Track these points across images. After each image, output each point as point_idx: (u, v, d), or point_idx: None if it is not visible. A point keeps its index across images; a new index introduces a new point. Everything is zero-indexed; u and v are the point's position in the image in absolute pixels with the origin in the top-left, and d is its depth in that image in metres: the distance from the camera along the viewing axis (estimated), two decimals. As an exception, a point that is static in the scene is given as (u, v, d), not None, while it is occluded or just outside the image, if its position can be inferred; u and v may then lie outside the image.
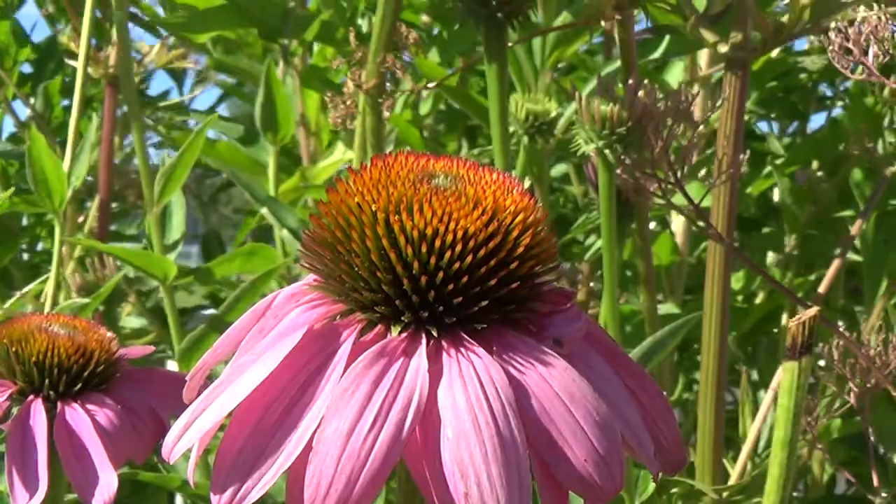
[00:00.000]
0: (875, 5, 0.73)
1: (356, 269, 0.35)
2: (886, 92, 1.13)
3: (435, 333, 0.34)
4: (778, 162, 1.19)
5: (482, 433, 0.32)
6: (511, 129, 0.85)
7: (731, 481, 0.85)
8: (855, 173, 1.15)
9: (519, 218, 0.35)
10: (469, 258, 0.34)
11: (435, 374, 0.34)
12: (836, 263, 0.89)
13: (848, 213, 1.18)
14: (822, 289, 0.87)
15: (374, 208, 0.35)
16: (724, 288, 0.81)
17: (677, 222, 1.19)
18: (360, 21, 0.95)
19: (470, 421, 0.33)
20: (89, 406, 0.48)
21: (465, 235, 0.34)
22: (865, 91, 1.20)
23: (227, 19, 0.93)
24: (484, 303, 0.34)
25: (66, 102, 1.32)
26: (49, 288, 0.89)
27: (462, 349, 0.34)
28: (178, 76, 1.60)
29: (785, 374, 0.49)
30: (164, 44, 1.23)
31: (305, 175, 1.02)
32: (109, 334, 0.51)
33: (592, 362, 0.36)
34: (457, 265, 0.34)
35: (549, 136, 0.80)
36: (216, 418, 0.33)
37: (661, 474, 0.38)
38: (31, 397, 0.49)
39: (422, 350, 0.34)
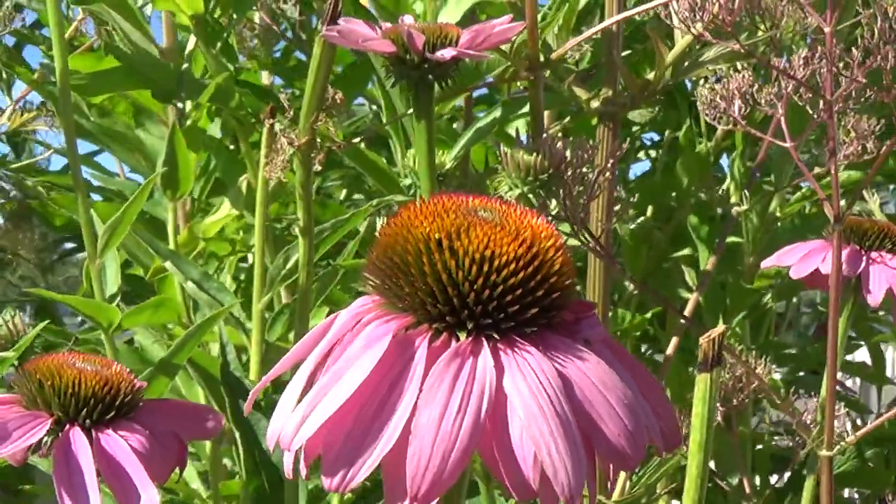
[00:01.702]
0: (738, 64, 0.84)
1: (426, 286, 0.42)
2: (719, 133, 1.26)
3: (497, 337, 0.42)
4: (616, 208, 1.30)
5: (546, 413, 0.40)
6: (408, 181, 0.93)
7: (615, 496, 0.93)
8: (691, 217, 1.27)
9: (551, 241, 0.43)
10: (521, 274, 0.42)
11: (499, 369, 0.41)
12: (693, 296, 0.99)
13: (684, 252, 1.30)
14: (687, 311, 0.97)
15: (438, 236, 0.42)
16: (605, 313, 0.91)
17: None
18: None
19: (535, 405, 0.40)
20: (121, 432, 0.53)
21: (516, 255, 0.42)
22: (694, 141, 1.32)
23: (124, 82, 0.98)
24: (534, 310, 0.42)
25: None
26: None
27: (517, 349, 0.41)
28: (16, 142, 1.62)
29: (699, 385, 0.57)
30: (17, 106, 1.26)
31: (194, 230, 1.07)
32: (127, 369, 0.56)
33: (611, 359, 0.44)
34: (512, 280, 0.42)
35: (445, 187, 0.88)
36: (326, 416, 0.40)
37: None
38: (67, 426, 0.53)
39: (486, 351, 0.41)
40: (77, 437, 0.52)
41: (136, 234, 0.95)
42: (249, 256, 1.21)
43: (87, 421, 0.54)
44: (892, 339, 1.12)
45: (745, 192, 1.03)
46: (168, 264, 0.92)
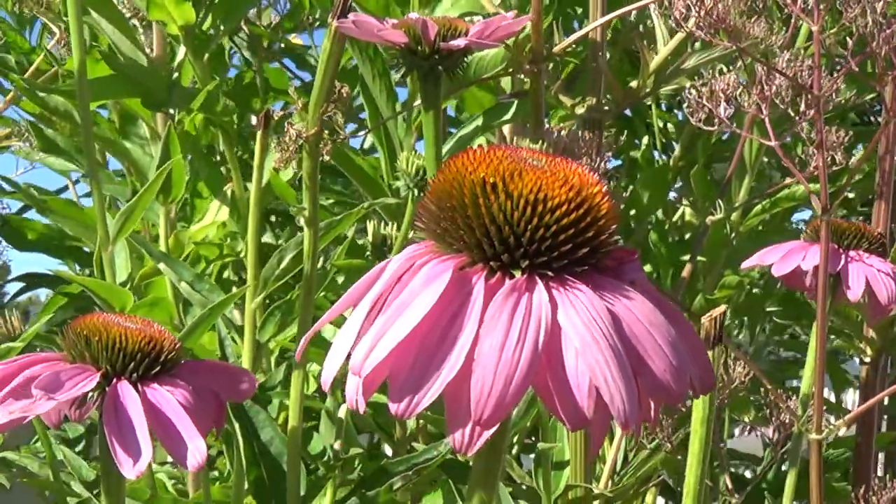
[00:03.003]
0: (724, 67, 0.87)
1: (482, 227, 0.44)
2: (676, 153, 1.30)
3: (550, 275, 0.44)
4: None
5: (600, 344, 0.42)
6: (399, 183, 0.95)
7: (601, 488, 0.96)
8: (652, 234, 1.30)
9: (597, 188, 0.45)
10: (573, 215, 0.44)
11: (553, 304, 0.43)
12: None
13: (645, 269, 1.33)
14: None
15: (493, 179, 0.44)
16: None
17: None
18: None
19: (590, 336, 0.42)
20: (166, 387, 0.55)
21: (567, 198, 0.44)
22: (652, 160, 1.36)
23: (117, 89, 1.00)
24: (584, 250, 0.44)
25: None
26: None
27: (568, 286, 0.44)
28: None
29: (701, 363, 0.59)
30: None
31: (180, 238, 1.08)
32: (167, 329, 0.57)
33: (653, 300, 0.46)
34: (564, 220, 0.44)
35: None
36: (396, 341, 0.42)
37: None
38: (115, 380, 0.55)
39: (540, 287, 0.43)
40: (126, 389, 0.54)
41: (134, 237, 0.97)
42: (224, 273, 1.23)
43: (134, 375, 0.55)
44: (851, 348, 1.15)
45: (719, 201, 1.06)
46: (162, 266, 0.93)
